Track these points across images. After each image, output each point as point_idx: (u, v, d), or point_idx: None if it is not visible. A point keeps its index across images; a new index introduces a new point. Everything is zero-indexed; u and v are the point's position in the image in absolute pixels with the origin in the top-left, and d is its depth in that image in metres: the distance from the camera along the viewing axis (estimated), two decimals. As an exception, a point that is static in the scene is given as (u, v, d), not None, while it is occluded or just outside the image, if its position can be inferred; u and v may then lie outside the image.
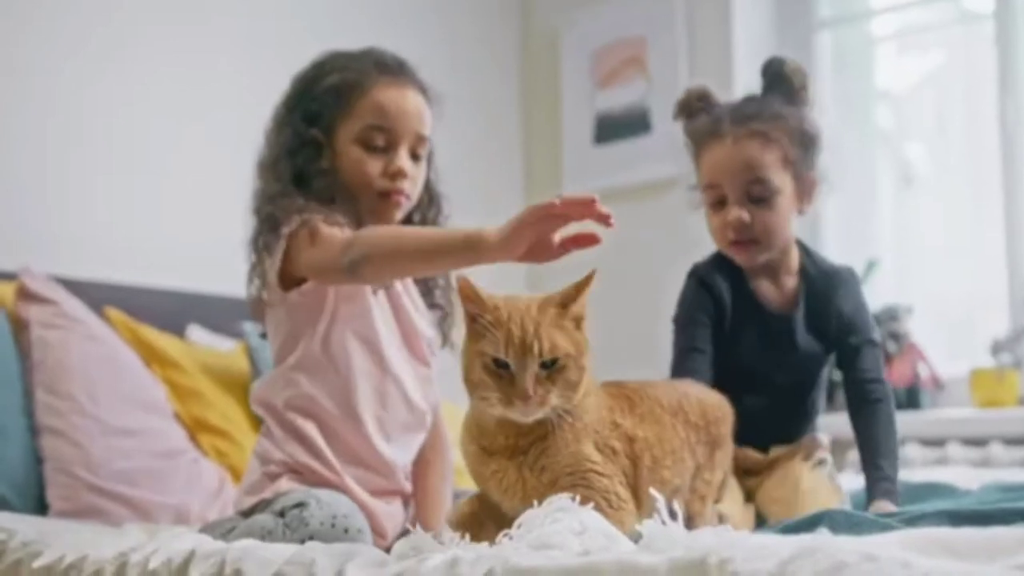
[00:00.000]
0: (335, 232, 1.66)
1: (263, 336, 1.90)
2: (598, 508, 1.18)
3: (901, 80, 3.77)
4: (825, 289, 1.91)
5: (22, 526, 1.61)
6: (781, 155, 1.85)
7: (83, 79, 2.67)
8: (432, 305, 1.92)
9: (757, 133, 1.85)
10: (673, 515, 1.04)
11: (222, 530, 1.64)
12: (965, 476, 2.33)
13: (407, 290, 1.88)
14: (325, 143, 1.81)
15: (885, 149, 3.68)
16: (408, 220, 1.92)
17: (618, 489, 1.31)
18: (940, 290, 3.41)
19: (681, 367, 1.88)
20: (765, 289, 1.93)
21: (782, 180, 1.85)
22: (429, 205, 1.94)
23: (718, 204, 1.90)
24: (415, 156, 1.84)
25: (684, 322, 1.93)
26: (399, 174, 1.80)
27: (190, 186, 2.84)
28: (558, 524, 1.07)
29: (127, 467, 2.11)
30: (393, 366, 1.78)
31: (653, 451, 1.40)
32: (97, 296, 2.44)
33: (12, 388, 2.13)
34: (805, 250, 1.97)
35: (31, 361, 2.17)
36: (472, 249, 1.40)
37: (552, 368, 1.28)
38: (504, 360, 1.27)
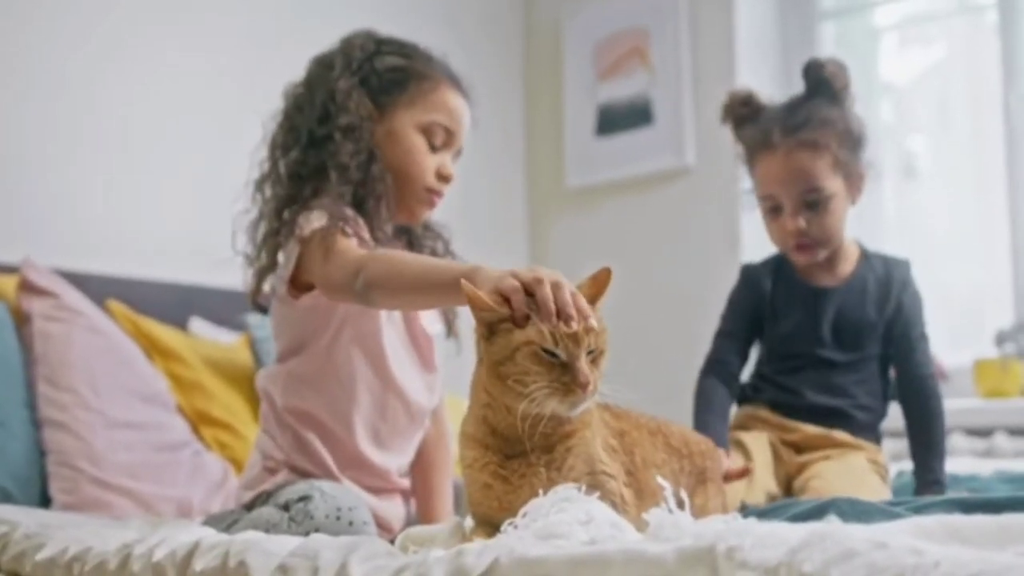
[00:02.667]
0: (350, 248, 1.60)
1: (262, 310, 1.86)
2: None
3: (903, 72, 3.76)
4: (885, 274, 1.99)
5: (25, 519, 1.60)
6: (831, 160, 1.91)
7: (87, 72, 2.66)
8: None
9: (807, 143, 1.90)
10: (680, 504, 1.03)
11: (225, 523, 1.64)
12: (969, 466, 2.32)
13: None
14: (377, 120, 1.79)
15: (888, 141, 3.67)
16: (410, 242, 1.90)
17: (623, 490, 1.29)
18: (944, 281, 3.40)
19: (712, 347, 2.04)
20: (815, 273, 2.01)
21: (834, 184, 1.92)
22: (440, 234, 1.93)
23: (774, 212, 1.97)
24: None
25: (724, 313, 2.08)
26: (448, 179, 1.81)
27: (192, 179, 2.83)
28: (564, 514, 1.06)
29: (129, 460, 2.10)
30: (397, 379, 1.75)
31: (640, 450, 1.37)
32: (99, 289, 2.44)
33: (14, 381, 2.12)
34: (861, 245, 2.07)
35: (33, 354, 2.16)
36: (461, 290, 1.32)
37: (592, 354, 1.23)
38: (553, 350, 1.21)
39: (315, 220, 1.65)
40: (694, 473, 1.47)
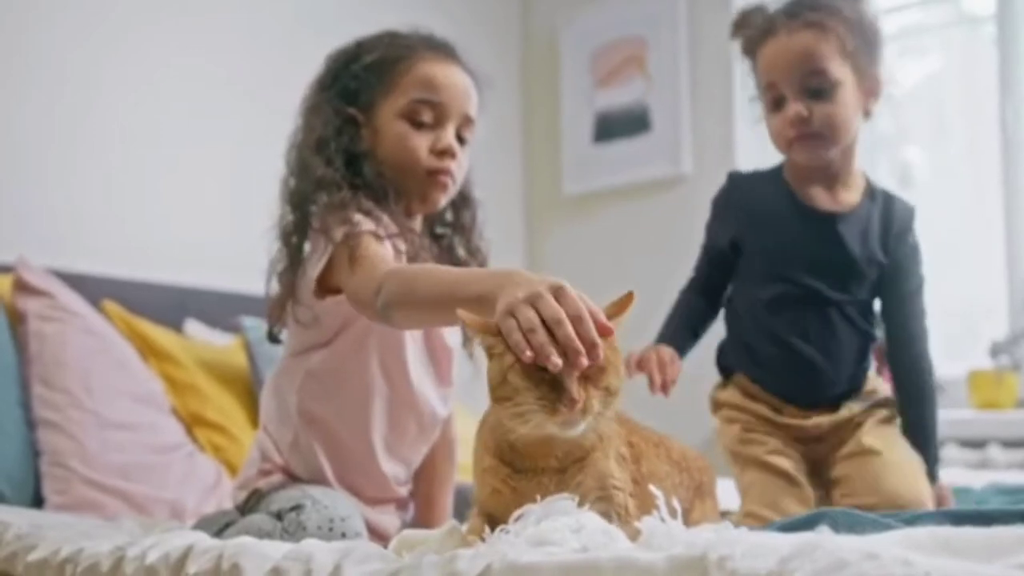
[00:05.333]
0: (377, 257, 1.52)
1: (271, 339, 1.78)
2: (615, 522, 1.16)
3: (901, 82, 3.76)
4: (886, 212, 1.81)
5: (17, 519, 1.60)
6: (839, 45, 1.74)
7: (84, 73, 2.67)
8: None
9: (812, 23, 1.74)
10: (672, 512, 1.03)
11: (218, 525, 1.63)
12: (963, 478, 2.32)
13: None
14: (364, 123, 1.71)
15: (884, 151, 3.68)
16: (440, 216, 1.85)
17: (628, 501, 1.27)
18: (939, 292, 3.41)
19: (694, 266, 1.95)
20: (815, 195, 1.81)
21: (842, 72, 1.74)
22: (464, 207, 1.86)
23: (776, 105, 1.79)
24: (460, 139, 1.75)
25: (707, 224, 1.94)
26: (448, 152, 1.70)
27: (189, 180, 2.84)
28: (556, 521, 1.07)
29: (123, 461, 2.10)
30: (413, 392, 1.72)
31: (646, 462, 1.36)
32: (94, 289, 2.44)
33: (8, 381, 2.12)
34: (868, 177, 1.87)
35: (27, 354, 2.16)
36: (484, 306, 1.21)
37: (590, 371, 1.16)
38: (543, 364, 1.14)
39: (343, 223, 1.58)
40: (692, 487, 1.46)
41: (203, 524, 1.68)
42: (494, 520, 1.22)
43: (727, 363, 1.88)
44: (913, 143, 3.72)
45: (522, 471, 1.24)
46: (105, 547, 1.36)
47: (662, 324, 1.89)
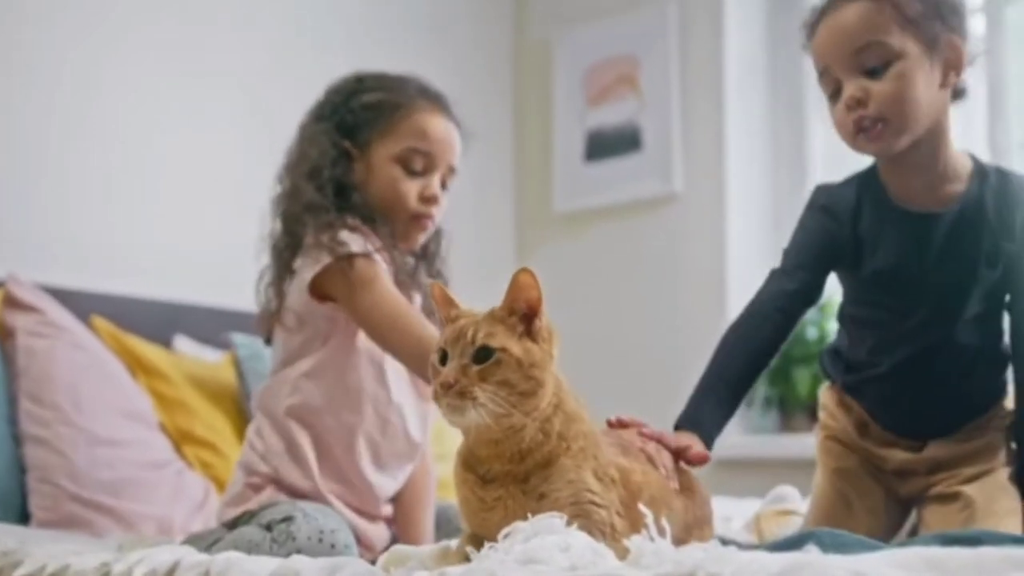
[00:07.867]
0: (397, 304, 1.68)
1: (268, 342, 1.88)
2: (599, 539, 1.15)
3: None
4: (1004, 190, 1.57)
5: (3, 535, 1.59)
6: (896, 13, 1.50)
7: (74, 87, 2.66)
8: (430, 314, 1.87)
9: None
10: (661, 531, 1.03)
11: (207, 542, 1.63)
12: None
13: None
14: (357, 157, 1.83)
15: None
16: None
17: (614, 520, 1.25)
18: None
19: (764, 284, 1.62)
20: (911, 193, 1.58)
21: (902, 42, 1.50)
22: (433, 237, 1.95)
23: (836, 94, 1.56)
24: (443, 185, 1.87)
25: (786, 247, 1.65)
26: (433, 200, 1.84)
27: (179, 196, 2.83)
28: (544, 540, 1.06)
29: (111, 477, 2.09)
30: (399, 397, 1.79)
31: (650, 491, 1.33)
32: (84, 305, 2.43)
33: (-4, 396, 2.11)
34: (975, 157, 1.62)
35: (16, 369, 2.15)
36: None
37: (486, 362, 1.20)
38: (445, 351, 1.22)
39: (331, 240, 1.70)
40: (693, 512, 1.46)
41: (191, 542, 1.68)
42: (480, 540, 1.22)
43: (828, 369, 1.74)
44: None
45: (489, 481, 1.24)
46: (91, 563, 1.35)
47: (698, 384, 1.57)
